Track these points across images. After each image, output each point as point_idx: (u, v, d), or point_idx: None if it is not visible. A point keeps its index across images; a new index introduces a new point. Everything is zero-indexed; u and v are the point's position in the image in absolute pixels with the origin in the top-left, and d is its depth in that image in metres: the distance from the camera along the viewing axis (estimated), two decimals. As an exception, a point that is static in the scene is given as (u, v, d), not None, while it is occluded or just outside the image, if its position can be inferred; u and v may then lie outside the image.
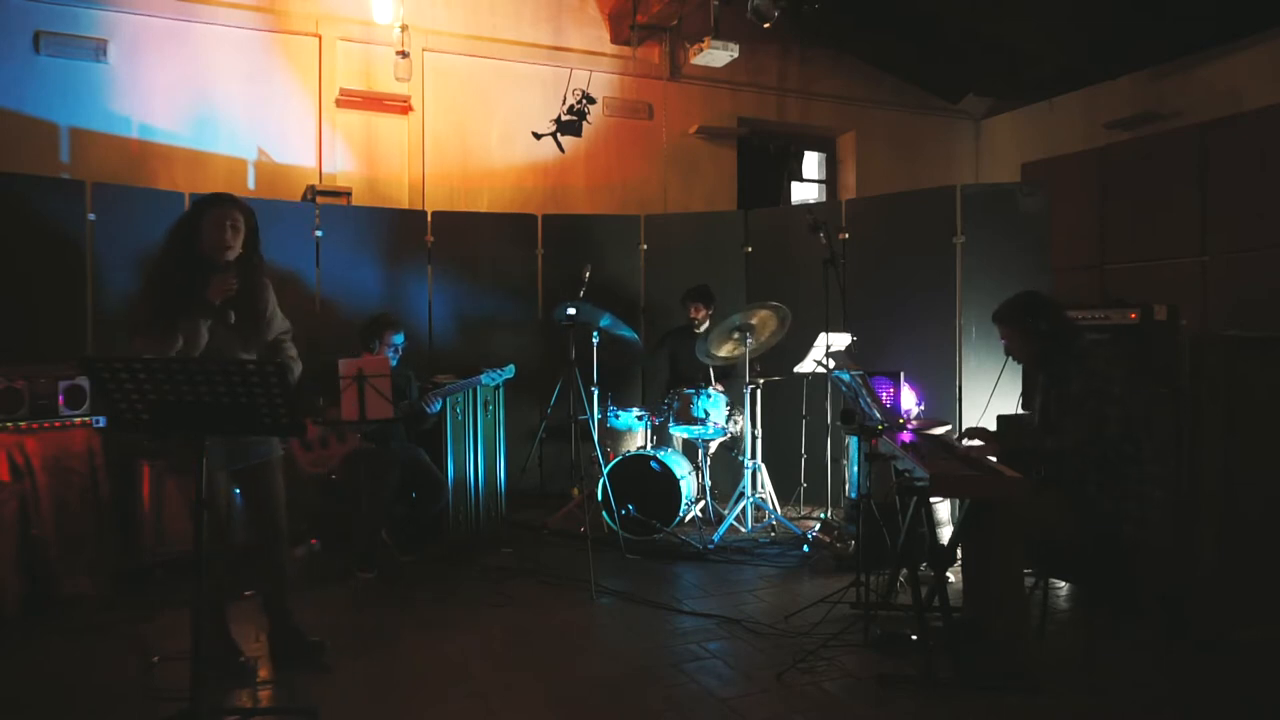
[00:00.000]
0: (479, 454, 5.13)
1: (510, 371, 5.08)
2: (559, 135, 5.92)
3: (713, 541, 4.95)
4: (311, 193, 6.03)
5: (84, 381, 4.21)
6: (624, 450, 5.41)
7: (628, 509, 5.07)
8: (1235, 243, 6.22)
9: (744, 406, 5.22)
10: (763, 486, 5.35)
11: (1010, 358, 3.59)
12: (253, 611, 3.91)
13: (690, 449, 5.61)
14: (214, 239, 3.09)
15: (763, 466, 5.34)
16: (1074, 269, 7.07)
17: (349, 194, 6.15)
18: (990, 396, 4.87)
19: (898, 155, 8.60)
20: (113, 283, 5.00)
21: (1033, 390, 3.87)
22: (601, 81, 7.33)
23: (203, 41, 6.25)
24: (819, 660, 3.33)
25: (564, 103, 5.89)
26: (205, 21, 6.24)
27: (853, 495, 4.87)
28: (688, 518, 5.33)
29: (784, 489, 5.77)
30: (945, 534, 4.39)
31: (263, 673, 3.28)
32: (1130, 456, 3.17)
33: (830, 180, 8.90)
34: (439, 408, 4.86)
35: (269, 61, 6.47)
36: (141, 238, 5.11)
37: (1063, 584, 4.19)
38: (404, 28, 6.55)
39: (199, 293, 3.05)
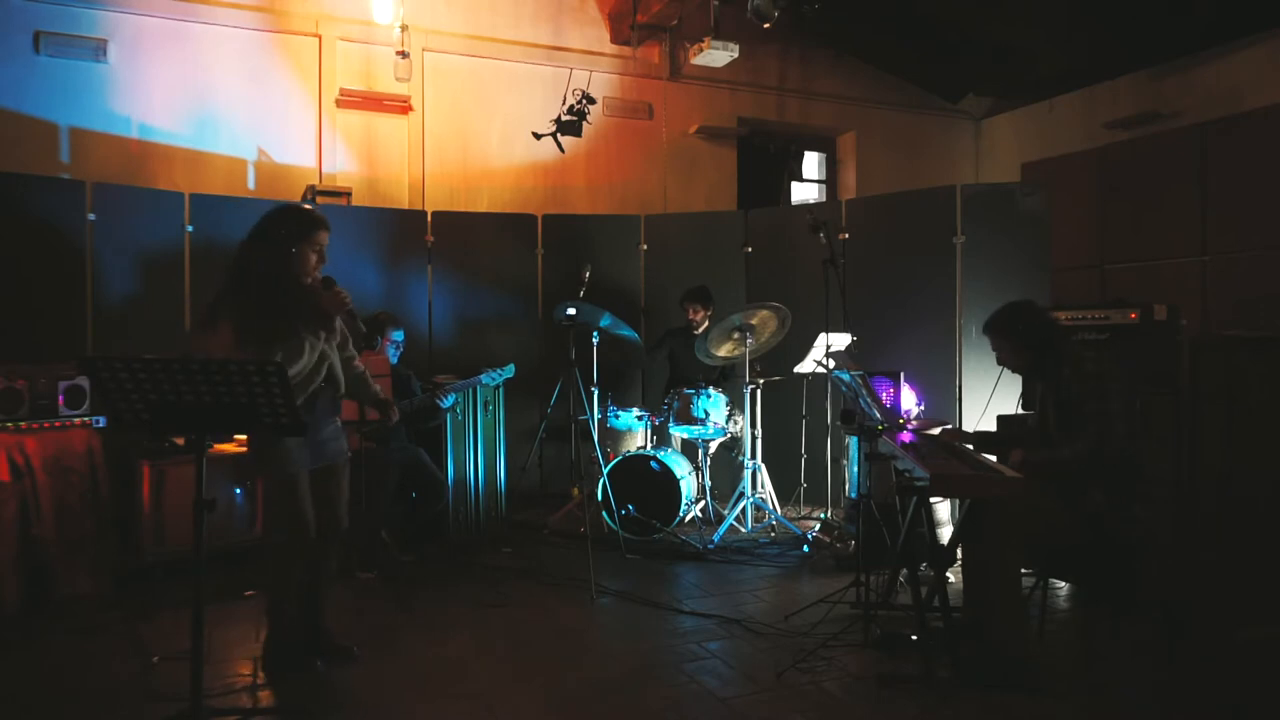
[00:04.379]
0: (479, 454, 5.12)
1: (510, 371, 5.08)
2: (559, 135, 5.92)
3: (713, 541, 4.95)
4: (311, 193, 6.03)
5: (84, 381, 4.21)
6: (624, 450, 5.41)
7: (628, 509, 5.07)
8: (1235, 243, 6.23)
9: (744, 406, 5.22)
10: (763, 486, 5.35)
11: (1002, 366, 3.59)
12: (257, 611, 3.92)
13: (690, 449, 5.61)
14: (313, 261, 3.16)
15: (762, 466, 5.34)
16: (1074, 269, 7.07)
17: (349, 194, 6.16)
18: (990, 396, 4.87)
19: (898, 155, 8.59)
20: (113, 282, 5.00)
21: (1033, 392, 3.87)
22: (601, 81, 7.33)
23: (203, 41, 6.25)
24: (819, 660, 3.32)
25: (564, 103, 5.90)
26: (205, 21, 6.24)
27: (853, 495, 4.87)
28: (688, 518, 5.33)
29: (784, 489, 5.77)
30: (945, 534, 4.39)
31: (265, 672, 3.28)
32: (1132, 459, 3.17)
33: (830, 180, 8.90)
34: (452, 401, 4.86)
35: (269, 61, 6.46)
36: (141, 238, 5.13)
37: (1063, 584, 4.19)
38: (404, 28, 6.55)
39: (311, 309, 3.10)
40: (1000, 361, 3.56)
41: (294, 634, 3.26)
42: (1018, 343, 3.41)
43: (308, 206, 3.47)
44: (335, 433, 3.33)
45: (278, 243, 3.10)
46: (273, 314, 3.02)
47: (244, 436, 4.60)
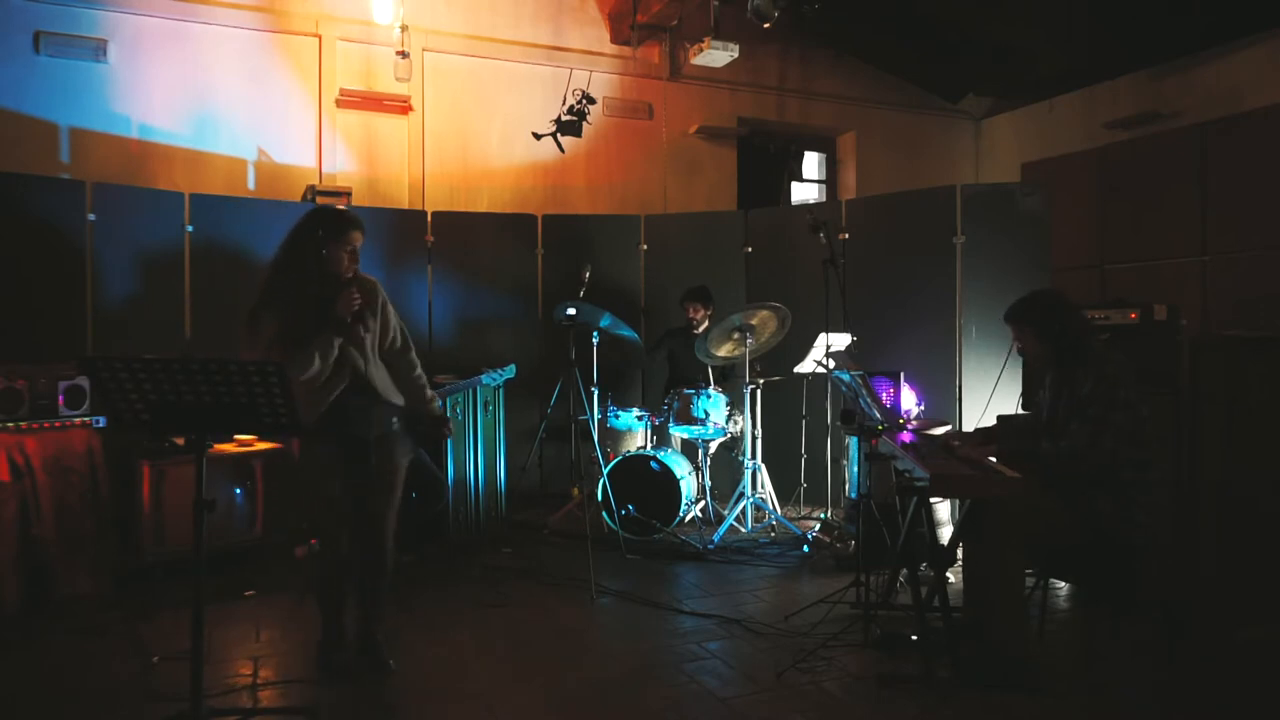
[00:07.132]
0: (479, 454, 5.12)
1: (511, 372, 5.08)
2: (559, 135, 5.92)
3: (713, 541, 4.95)
4: (311, 193, 6.02)
5: (84, 381, 4.20)
6: (624, 450, 5.41)
7: (628, 509, 5.07)
8: (1235, 243, 6.23)
9: (744, 406, 5.22)
10: (763, 486, 5.34)
11: (1021, 355, 3.56)
12: (257, 611, 3.92)
13: (690, 449, 5.61)
14: (345, 261, 3.12)
15: (763, 466, 5.34)
16: (1074, 269, 7.07)
17: (349, 194, 6.15)
18: (990, 396, 4.87)
19: (898, 155, 8.59)
20: (113, 283, 5.01)
21: (1034, 390, 3.86)
22: (601, 81, 7.33)
23: (203, 41, 6.25)
24: (819, 660, 3.33)
25: (564, 103, 5.90)
26: (205, 21, 6.24)
27: (853, 495, 4.87)
28: (688, 518, 5.33)
29: (784, 489, 5.77)
30: (945, 534, 4.39)
31: (265, 672, 3.28)
32: (1135, 462, 3.16)
33: (830, 180, 8.90)
34: (440, 408, 4.84)
35: (269, 61, 6.46)
36: (141, 238, 5.13)
37: (1063, 584, 4.19)
38: (404, 28, 6.55)
39: (329, 310, 3.05)
40: (1020, 351, 3.52)
41: (330, 634, 3.25)
42: (1042, 332, 3.39)
43: (341, 207, 3.41)
44: (384, 438, 3.26)
45: (309, 244, 3.10)
46: (293, 318, 3.01)
47: (246, 436, 4.62)
